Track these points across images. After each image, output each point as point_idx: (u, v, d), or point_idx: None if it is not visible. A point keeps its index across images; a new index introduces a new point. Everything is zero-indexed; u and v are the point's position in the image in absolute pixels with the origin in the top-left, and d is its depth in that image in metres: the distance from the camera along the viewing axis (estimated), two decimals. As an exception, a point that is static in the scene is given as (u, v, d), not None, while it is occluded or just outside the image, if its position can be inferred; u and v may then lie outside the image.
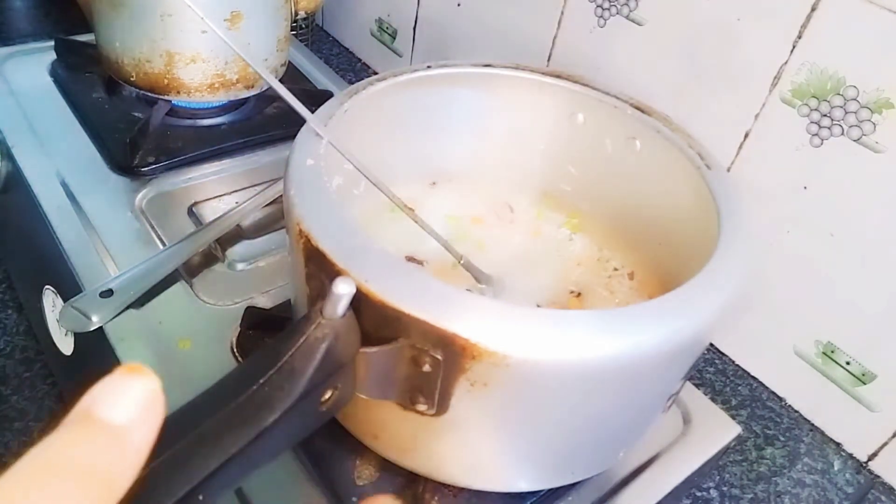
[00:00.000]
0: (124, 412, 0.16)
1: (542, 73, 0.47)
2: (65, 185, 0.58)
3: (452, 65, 0.47)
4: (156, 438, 0.17)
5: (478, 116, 0.49)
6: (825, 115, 0.47)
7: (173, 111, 0.67)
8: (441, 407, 0.32)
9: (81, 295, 0.47)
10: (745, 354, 0.58)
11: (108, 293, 0.48)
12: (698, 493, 0.48)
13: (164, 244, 0.55)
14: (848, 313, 0.50)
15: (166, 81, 0.63)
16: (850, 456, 0.53)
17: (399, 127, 0.47)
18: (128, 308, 0.48)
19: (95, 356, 0.49)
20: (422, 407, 0.32)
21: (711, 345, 0.60)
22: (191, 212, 0.59)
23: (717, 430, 0.49)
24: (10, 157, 0.60)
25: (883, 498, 0.51)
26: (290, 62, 0.74)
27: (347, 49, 0.93)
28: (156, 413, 0.16)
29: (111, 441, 0.15)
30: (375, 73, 0.66)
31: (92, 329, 0.46)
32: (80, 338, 0.51)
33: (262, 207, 0.59)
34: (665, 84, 0.55)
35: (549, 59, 0.65)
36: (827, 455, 0.53)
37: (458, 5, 0.72)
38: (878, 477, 0.52)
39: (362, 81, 0.43)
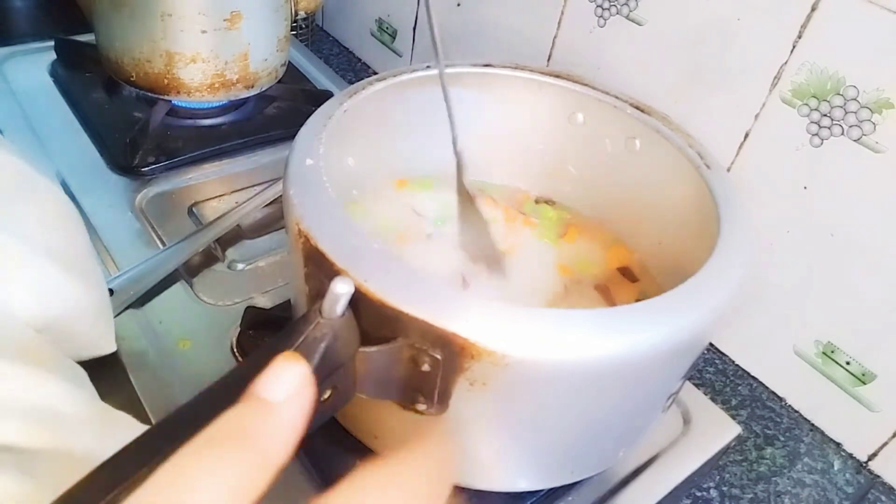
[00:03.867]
0: (281, 392, 0.18)
1: (542, 73, 0.47)
2: (65, 185, 0.58)
3: (452, 65, 0.47)
4: (308, 419, 0.19)
5: (478, 116, 0.49)
6: (825, 115, 0.47)
7: (173, 111, 0.67)
8: (440, 406, 0.32)
9: (81, 295, 0.47)
10: (745, 354, 0.58)
11: (108, 293, 0.48)
12: (698, 493, 0.48)
13: (164, 244, 0.55)
14: (848, 313, 0.50)
15: (166, 81, 0.63)
16: (850, 456, 0.53)
17: (399, 127, 0.47)
18: (128, 308, 0.48)
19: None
20: (421, 407, 0.32)
21: (711, 345, 0.60)
22: (191, 212, 0.59)
23: (717, 430, 0.49)
24: (10, 157, 0.60)
25: (883, 498, 0.51)
26: (290, 62, 0.74)
27: (347, 49, 0.93)
28: (306, 395, 0.19)
29: (268, 415, 0.18)
30: (375, 73, 0.66)
31: (92, 329, 0.46)
32: (79, 337, 0.51)
33: (262, 207, 0.59)
34: (665, 84, 0.55)
35: (549, 59, 0.65)
36: (827, 455, 0.53)
37: (458, 5, 0.72)
38: (878, 477, 0.52)
39: (362, 81, 0.43)
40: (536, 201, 0.52)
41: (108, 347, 0.40)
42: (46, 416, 0.28)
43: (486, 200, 0.50)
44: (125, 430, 0.31)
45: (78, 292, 0.36)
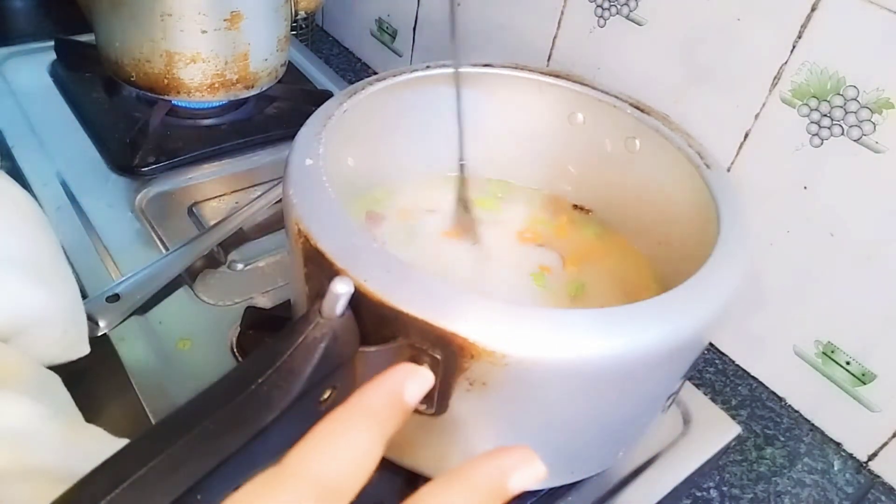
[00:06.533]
0: (415, 399, 0.24)
1: (542, 73, 0.47)
2: (65, 185, 0.58)
3: (452, 65, 0.47)
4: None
5: (478, 116, 0.49)
6: (825, 115, 0.47)
7: (173, 111, 0.67)
8: (440, 406, 0.32)
9: (88, 300, 0.47)
10: (745, 354, 0.58)
11: (114, 298, 0.48)
12: (698, 493, 0.48)
13: (164, 244, 0.55)
14: (848, 313, 0.50)
15: (166, 81, 0.63)
16: (850, 456, 0.53)
17: (398, 127, 0.47)
18: (133, 314, 0.48)
19: (96, 356, 0.49)
20: (421, 407, 0.32)
21: (711, 345, 0.60)
22: (191, 212, 0.59)
23: (717, 430, 0.49)
24: (10, 157, 0.60)
25: (883, 498, 0.51)
26: (290, 62, 0.74)
27: (347, 49, 0.93)
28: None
29: (400, 411, 0.23)
30: (375, 73, 0.66)
31: (99, 334, 0.46)
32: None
33: (268, 208, 0.59)
34: (665, 84, 0.55)
35: (549, 59, 0.65)
36: (827, 455, 0.53)
37: (458, 5, 0.72)
38: (878, 477, 0.52)
39: (362, 81, 0.43)
40: (574, 207, 0.51)
41: (82, 350, 0.40)
42: (9, 436, 0.28)
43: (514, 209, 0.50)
44: (95, 443, 0.31)
45: (45, 299, 0.35)
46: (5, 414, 0.28)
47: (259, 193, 0.60)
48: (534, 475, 0.22)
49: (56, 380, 0.35)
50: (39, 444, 0.28)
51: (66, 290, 0.38)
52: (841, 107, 0.46)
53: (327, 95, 0.63)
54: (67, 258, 0.52)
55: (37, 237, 0.37)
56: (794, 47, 0.47)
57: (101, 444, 0.31)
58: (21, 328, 0.34)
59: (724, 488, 0.49)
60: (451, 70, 0.46)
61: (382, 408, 0.22)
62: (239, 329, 0.48)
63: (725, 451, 0.49)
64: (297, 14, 0.70)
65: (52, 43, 0.73)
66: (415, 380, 0.23)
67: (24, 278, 0.34)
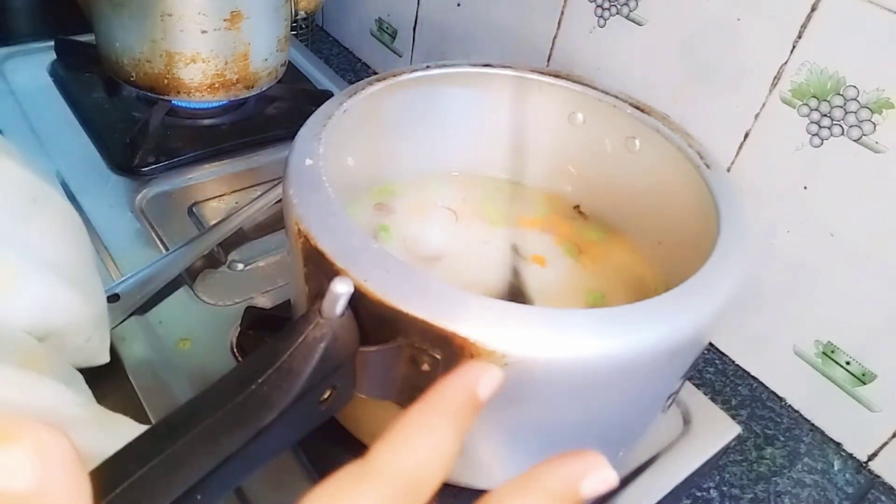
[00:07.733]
0: (487, 393, 0.23)
1: (542, 73, 0.47)
2: (65, 185, 0.58)
3: (452, 65, 0.47)
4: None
5: (477, 116, 0.49)
6: (825, 115, 0.47)
7: (173, 111, 0.67)
8: (440, 406, 0.32)
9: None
10: (745, 354, 0.58)
11: (114, 297, 0.48)
12: (698, 493, 0.48)
13: (164, 244, 0.55)
14: (848, 313, 0.50)
15: (166, 81, 0.63)
16: (850, 456, 0.53)
17: (398, 127, 0.47)
18: (133, 314, 0.48)
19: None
20: (421, 407, 0.32)
21: (711, 345, 0.60)
22: (191, 212, 0.59)
23: (717, 430, 0.49)
24: (10, 157, 0.60)
25: (883, 498, 0.51)
26: (290, 62, 0.74)
27: (347, 49, 0.93)
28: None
29: (474, 407, 0.23)
30: (375, 73, 0.66)
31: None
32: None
33: (268, 208, 0.59)
34: (665, 84, 0.55)
35: (549, 59, 0.65)
36: (827, 455, 0.53)
37: (458, 5, 0.72)
38: (878, 477, 0.52)
39: (361, 81, 0.43)
40: (574, 207, 0.51)
41: (102, 359, 0.41)
42: (47, 417, 0.28)
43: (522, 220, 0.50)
44: (124, 429, 0.32)
45: (76, 305, 0.36)
46: (47, 398, 0.29)
47: (259, 193, 0.60)
48: (605, 480, 0.22)
49: (81, 378, 0.36)
50: (76, 425, 0.29)
51: (94, 299, 0.39)
52: (841, 107, 0.46)
53: (327, 95, 0.63)
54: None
55: (76, 247, 0.38)
56: (794, 47, 0.47)
57: (129, 429, 0.32)
58: (50, 331, 0.35)
59: (724, 488, 0.49)
60: (451, 70, 0.46)
61: (458, 404, 0.23)
62: (239, 329, 0.48)
63: (725, 451, 0.49)
64: (297, 14, 0.70)
65: (52, 43, 0.73)
66: (487, 376, 0.24)
67: (59, 283, 0.35)
